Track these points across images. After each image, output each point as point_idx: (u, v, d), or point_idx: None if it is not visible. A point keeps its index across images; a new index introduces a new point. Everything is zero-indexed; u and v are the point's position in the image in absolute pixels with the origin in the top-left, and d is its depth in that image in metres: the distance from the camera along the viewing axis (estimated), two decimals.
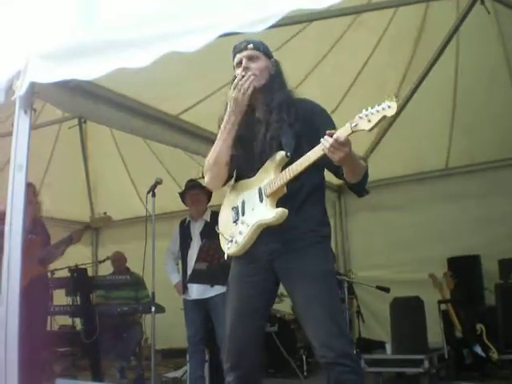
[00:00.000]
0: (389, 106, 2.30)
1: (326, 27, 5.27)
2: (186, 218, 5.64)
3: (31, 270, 5.28)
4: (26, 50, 4.06)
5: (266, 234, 2.69)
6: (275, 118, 2.72)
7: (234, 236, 2.80)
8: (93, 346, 5.80)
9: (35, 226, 5.62)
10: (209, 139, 5.92)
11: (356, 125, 2.35)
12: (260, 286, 2.77)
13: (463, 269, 6.69)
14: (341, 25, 5.48)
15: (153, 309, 4.76)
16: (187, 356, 5.69)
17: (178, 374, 6.65)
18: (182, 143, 5.85)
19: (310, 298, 2.60)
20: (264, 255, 2.73)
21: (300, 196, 2.71)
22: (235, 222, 2.83)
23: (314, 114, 2.76)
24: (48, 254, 5.51)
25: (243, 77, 2.75)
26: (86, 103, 4.70)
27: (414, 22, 5.79)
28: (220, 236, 2.94)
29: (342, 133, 2.40)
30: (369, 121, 2.33)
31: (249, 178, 2.82)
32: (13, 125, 4.27)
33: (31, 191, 5.61)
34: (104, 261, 7.32)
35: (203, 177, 5.74)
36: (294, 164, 2.56)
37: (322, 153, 2.45)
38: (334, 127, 2.57)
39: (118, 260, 7.58)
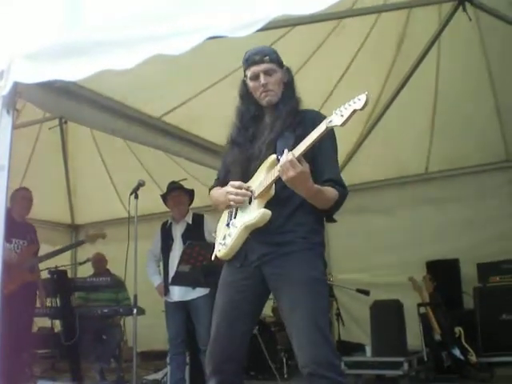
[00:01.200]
0: (359, 99, 2.32)
1: (309, 32, 5.32)
2: (167, 220, 5.64)
3: (21, 276, 5.27)
4: (10, 49, 4.03)
5: (258, 237, 2.69)
6: (281, 123, 2.74)
7: (225, 238, 2.80)
8: (72, 348, 5.78)
9: (28, 231, 5.61)
10: (191, 141, 5.97)
11: (331, 121, 2.37)
12: (248, 290, 2.75)
13: (442, 272, 6.76)
14: (324, 30, 5.53)
15: (135, 311, 4.74)
16: (168, 358, 5.69)
17: (158, 376, 6.62)
18: (163, 145, 5.85)
19: (296, 303, 2.58)
20: (253, 259, 2.72)
21: (292, 202, 2.70)
22: (227, 225, 2.83)
23: (314, 124, 2.76)
24: (39, 262, 5.52)
25: (240, 192, 2.72)
26: (69, 104, 4.68)
27: (396, 27, 5.84)
28: (215, 240, 2.94)
29: (297, 149, 2.43)
30: (341, 116, 2.34)
31: (246, 181, 2.81)
32: None
33: (29, 196, 5.61)
34: (84, 262, 7.27)
35: (185, 179, 5.81)
36: (274, 169, 2.57)
37: None
38: (333, 141, 2.63)
39: (99, 262, 7.53)
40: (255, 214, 2.66)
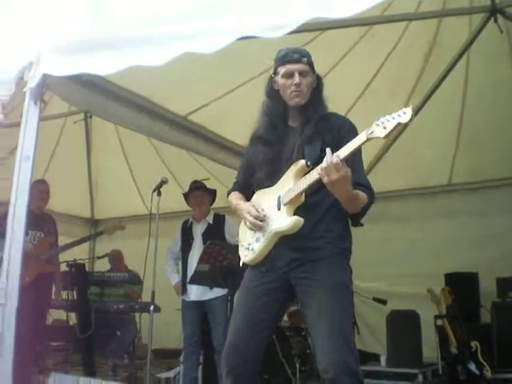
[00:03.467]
0: (404, 113, 2.30)
1: (339, 37, 5.30)
2: (188, 219, 5.64)
3: (38, 267, 5.30)
4: (39, 41, 4.06)
5: (286, 243, 2.68)
6: (311, 129, 2.72)
7: (252, 244, 2.79)
8: (87, 341, 5.77)
9: (46, 222, 5.64)
10: (214, 141, 5.96)
11: (372, 132, 2.34)
12: (272, 294, 2.75)
13: (460, 285, 6.68)
14: (353, 35, 5.49)
15: (151, 308, 4.74)
16: (181, 357, 5.69)
17: (170, 374, 6.63)
18: (187, 143, 5.86)
19: (322, 310, 2.58)
20: (282, 264, 2.71)
21: (320, 209, 2.70)
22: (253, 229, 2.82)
23: (341, 129, 2.75)
24: (56, 254, 5.54)
25: (258, 224, 2.74)
26: (96, 98, 4.70)
27: (426, 36, 5.78)
28: (239, 244, 2.93)
29: (342, 153, 2.42)
30: (384, 128, 2.31)
31: (271, 185, 2.80)
32: (21, 115, 4.27)
33: (46, 189, 5.65)
34: (103, 257, 7.28)
35: (207, 179, 5.82)
36: (309, 174, 2.55)
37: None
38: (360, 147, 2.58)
39: (116, 258, 7.55)
40: (287, 221, 2.64)
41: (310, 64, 2.83)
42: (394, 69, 5.90)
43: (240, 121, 5.81)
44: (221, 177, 7.13)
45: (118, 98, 4.84)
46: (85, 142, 8.10)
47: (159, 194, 4.96)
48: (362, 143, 2.40)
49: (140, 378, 6.32)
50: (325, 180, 2.43)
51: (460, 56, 5.77)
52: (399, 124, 2.29)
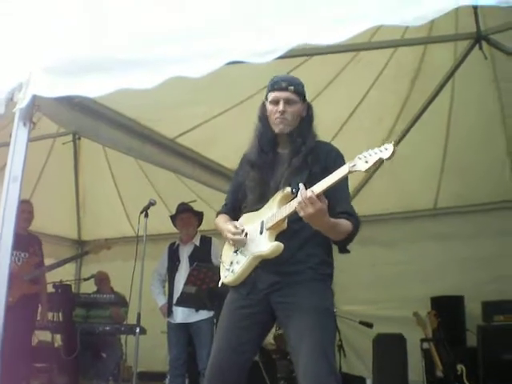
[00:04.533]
0: (386, 149, 2.34)
1: (326, 62, 5.37)
2: (175, 241, 5.65)
3: (22, 288, 5.28)
4: (29, 61, 4.07)
5: (267, 266, 2.70)
6: (299, 161, 2.76)
7: (232, 265, 2.82)
8: (72, 363, 5.75)
9: (31, 243, 5.62)
10: (202, 164, 6.00)
11: (354, 165, 2.38)
12: (254, 318, 2.77)
13: (446, 309, 6.71)
14: (340, 61, 5.57)
15: (137, 330, 4.73)
16: (167, 380, 5.67)
17: None
18: (175, 166, 5.89)
19: (304, 333, 2.59)
20: (262, 287, 2.73)
21: (303, 235, 2.72)
22: (236, 251, 2.85)
23: (328, 158, 2.78)
24: (40, 274, 5.52)
25: (237, 238, 2.79)
26: (86, 120, 4.73)
27: (412, 62, 5.87)
28: (221, 264, 2.95)
29: (317, 187, 2.45)
30: (366, 162, 2.35)
31: (256, 210, 2.83)
32: (10, 136, 4.28)
33: (29, 209, 5.64)
34: (89, 278, 7.26)
35: (194, 201, 5.84)
36: (293, 201, 2.58)
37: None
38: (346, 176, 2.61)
39: (102, 280, 7.52)
40: (268, 245, 2.67)
41: (299, 93, 2.86)
42: (380, 94, 5.97)
43: (228, 144, 5.88)
44: (208, 199, 7.16)
45: (107, 120, 4.87)
46: (73, 163, 8.09)
47: (146, 215, 4.98)
48: (344, 176, 2.44)
49: None
50: (301, 214, 2.47)
51: (445, 82, 5.85)
52: (380, 159, 2.34)
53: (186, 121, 5.58)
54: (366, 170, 2.37)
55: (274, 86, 2.87)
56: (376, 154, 2.34)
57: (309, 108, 2.93)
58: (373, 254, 7.43)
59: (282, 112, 2.80)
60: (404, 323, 6.54)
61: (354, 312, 6.91)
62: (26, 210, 5.60)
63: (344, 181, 2.66)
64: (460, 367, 5.89)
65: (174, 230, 5.91)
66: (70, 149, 7.70)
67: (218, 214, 3.13)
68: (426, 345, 6.07)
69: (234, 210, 3.05)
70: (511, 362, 6.04)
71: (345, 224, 2.63)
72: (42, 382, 7.46)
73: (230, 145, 5.85)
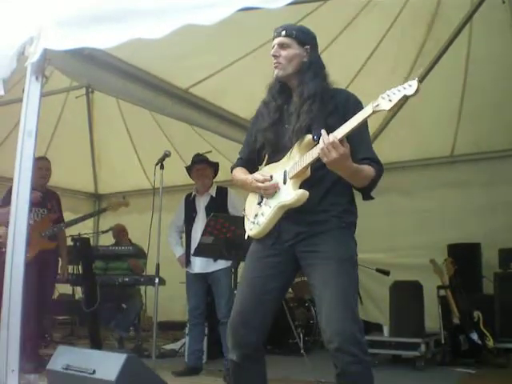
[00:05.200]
0: (410, 85, 2.28)
1: (339, 8, 5.26)
2: (191, 192, 5.64)
3: (40, 244, 5.34)
4: (39, 15, 4.03)
5: (292, 216, 2.68)
6: (306, 109, 2.70)
7: (257, 217, 2.80)
8: (93, 315, 5.85)
9: (49, 199, 5.66)
10: (217, 114, 5.96)
11: (377, 105, 2.33)
12: (279, 267, 2.76)
13: (463, 256, 6.70)
14: (354, 7, 5.45)
15: (157, 280, 4.78)
16: (186, 329, 5.76)
17: (175, 346, 6.71)
18: (189, 117, 5.86)
19: (328, 280, 2.58)
20: (288, 238, 2.72)
21: (326, 183, 2.69)
22: (259, 203, 2.82)
23: (347, 104, 2.72)
24: (58, 231, 5.57)
25: (269, 185, 2.74)
26: (97, 72, 4.69)
27: (428, 7, 5.73)
28: (244, 218, 2.94)
29: (339, 132, 2.41)
30: (390, 100, 2.30)
31: (277, 160, 2.80)
32: (23, 91, 4.26)
33: (47, 165, 5.66)
34: (107, 231, 7.34)
35: (209, 151, 5.82)
36: (315, 147, 2.55)
37: None
38: (366, 120, 2.52)
39: (119, 232, 7.59)
40: (293, 194, 2.64)
41: (294, 37, 2.79)
42: (396, 41, 5.85)
43: (241, 93, 5.82)
44: (223, 150, 7.15)
45: (119, 72, 4.82)
46: (87, 117, 8.09)
47: (162, 167, 4.96)
48: (368, 116, 2.38)
49: (146, 349, 6.40)
50: (324, 160, 2.44)
51: (462, 27, 5.71)
52: (405, 96, 2.28)
53: (199, 71, 5.51)
54: (391, 109, 2.31)
55: (274, 34, 2.85)
56: (400, 91, 2.28)
57: (311, 53, 2.84)
58: (390, 202, 7.39)
59: (274, 56, 2.78)
60: (421, 270, 6.54)
61: (371, 260, 6.90)
62: (43, 167, 5.62)
63: (365, 126, 2.63)
64: (477, 314, 5.90)
65: (189, 181, 5.90)
66: (84, 103, 7.68)
67: (233, 167, 3.10)
68: (442, 292, 6.08)
69: (249, 163, 3.02)
70: None
71: (368, 169, 2.59)
72: (64, 334, 7.65)
73: (244, 94, 5.79)
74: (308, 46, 2.81)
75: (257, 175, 2.81)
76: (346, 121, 2.46)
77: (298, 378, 5.07)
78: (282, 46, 2.77)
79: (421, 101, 6.48)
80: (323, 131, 2.44)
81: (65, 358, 3.60)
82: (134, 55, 4.80)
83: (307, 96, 2.71)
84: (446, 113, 6.92)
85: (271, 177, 2.76)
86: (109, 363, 3.38)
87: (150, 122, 7.74)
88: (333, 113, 2.70)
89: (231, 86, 5.77)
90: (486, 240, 6.91)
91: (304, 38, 2.82)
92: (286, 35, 2.78)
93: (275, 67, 2.79)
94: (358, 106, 2.64)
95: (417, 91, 2.26)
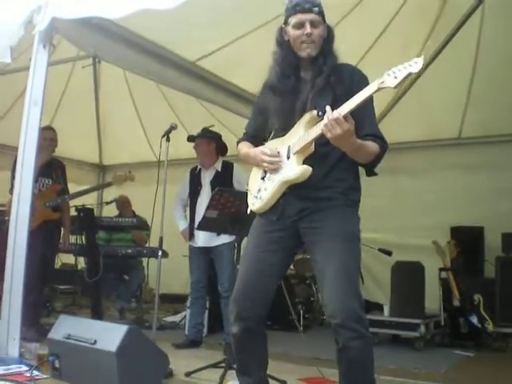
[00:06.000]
0: (415, 63, 2.26)
1: None
2: (197, 166, 5.63)
3: (43, 214, 5.34)
4: None
5: (296, 192, 2.68)
6: (323, 81, 2.68)
7: (260, 192, 2.80)
8: (95, 285, 5.87)
9: (55, 169, 5.64)
10: (225, 88, 5.92)
11: (383, 82, 2.31)
12: (282, 242, 2.76)
13: (466, 239, 6.70)
14: None
15: (160, 253, 4.78)
16: (188, 302, 5.79)
17: (176, 318, 6.75)
18: (197, 90, 5.84)
19: (330, 255, 2.58)
20: (292, 213, 2.71)
21: (331, 159, 2.68)
22: (262, 178, 2.82)
23: (353, 79, 2.70)
24: (62, 202, 5.56)
25: (275, 160, 2.73)
26: (105, 42, 4.66)
27: None
28: (248, 192, 2.93)
29: (344, 108, 2.39)
30: (395, 77, 2.28)
31: (282, 135, 2.78)
32: (30, 59, 4.24)
33: (53, 136, 5.64)
34: (111, 202, 7.35)
35: (212, 125, 5.77)
36: (319, 123, 2.52)
37: None
38: (371, 97, 2.50)
39: (123, 203, 7.61)
40: (296, 169, 2.63)
41: (321, 14, 2.74)
42: (408, 19, 5.77)
43: (251, 68, 5.74)
44: (229, 124, 7.12)
45: (127, 42, 4.79)
46: (93, 88, 8.05)
47: (168, 139, 4.92)
48: (373, 93, 2.37)
49: (147, 321, 6.44)
50: (328, 135, 2.42)
51: (474, 9, 5.65)
52: (410, 74, 2.26)
53: (208, 43, 5.46)
54: (396, 86, 2.29)
55: (296, 8, 2.72)
56: (405, 68, 2.26)
57: (329, 29, 2.81)
58: (395, 182, 7.38)
59: (310, 34, 2.69)
60: (423, 252, 6.54)
61: (374, 239, 6.91)
62: (48, 138, 5.59)
63: (370, 102, 2.60)
64: (477, 297, 5.92)
65: (193, 154, 5.87)
66: (90, 73, 7.63)
67: (239, 141, 3.09)
68: (444, 274, 6.09)
69: (255, 138, 3.01)
70: None
71: (371, 145, 2.58)
72: (66, 304, 7.70)
73: (253, 68, 5.69)
74: (326, 24, 2.78)
75: (265, 149, 2.79)
76: (351, 96, 2.44)
77: (297, 355, 5.08)
78: (313, 23, 2.70)
79: (430, 82, 6.44)
80: (328, 107, 2.43)
81: (66, 327, 3.63)
82: (142, 26, 4.75)
83: (326, 69, 2.69)
84: (455, 95, 6.86)
85: (278, 153, 2.75)
86: (110, 334, 3.41)
87: (157, 94, 7.70)
88: (338, 88, 2.68)
89: (240, 60, 5.71)
90: (490, 224, 6.90)
91: (324, 13, 2.77)
92: (319, 13, 2.71)
93: (307, 46, 2.71)
94: (363, 82, 2.63)
95: (422, 69, 2.24)
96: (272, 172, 2.76)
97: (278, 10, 4.75)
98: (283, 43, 2.81)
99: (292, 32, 2.73)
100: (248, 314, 2.75)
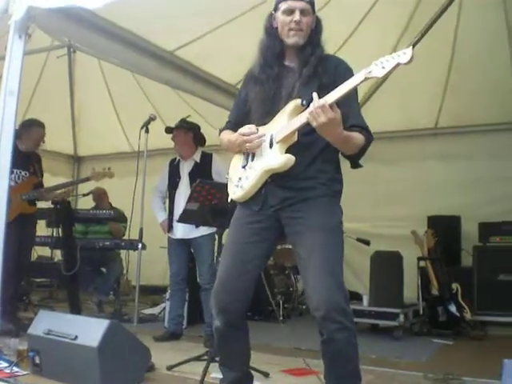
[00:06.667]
0: (404, 53, 2.25)
1: None
2: (176, 157, 5.57)
3: (19, 207, 5.25)
4: None
5: (278, 181, 2.66)
6: (310, 70, 2.66)
7: (241, 180, 2.77)
8: (72, 278, 5.79)
9: (32, 161, 5.56)
10: (202, 78, 5.88)
11: (370, 71, 2.30)
12: (263, 234, 2.74)
13: (443, 228, 6.73)
14: None
15: (140, 246, 4.74)
16: (167, 294, 5.75)
17: (155, 311, 6.71)
18: (174, 80, 5.79)
19: (313, 248, 2.57)
20: (274, 203, 2.69)
21: (314, 149, 2.66)
22: (244, 167, 2.79)
23: (338, 70, 2.68)
24: (39, 196, 5.48)
25: (255, 137, 2.71)
26: (82, 32, 4.59)
27: None
28: (228, 181, 2.90)
29: (330, 96, 2.36)
30: (383, 67, 2.27)
31: (265, 123, 2.75)
32: (5, 49, 4.16)
33: (44, 133, 5.56)
34: (88, 194, 7.26)
35: (188, 116, 5.71)
36: (304, 112, 2.50)
37: None
38: (356, 88, 2.49)
39: (99, 195, 7.51)
40: (279, 158, 2.61)
41: (312, 4, 2.72)
42: (388, 7, 5.77)
43: (228, 58, 5.73)
44: (206, 114, 7.08)
45: (104, 32, 4.72)
46: (67, 78, 7.93)
47: (147, 131, 4.86)
48: (360, 82, 2.35)
49: (126, 313, 6.39)
50: (313, 124, 2.40)
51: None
52: (398, 64, 2.25)
53: (186, 33, 5.41)
54: (383, 76, 2.28)
55: None
56: (394, 58, 2.25)
57: (318, 20, 2.80)
58: (373, 171, 7.34)
59: (298, 22, 2.67)
60: (400, 241, 6.59)
61: (352, 229, 6.88)
62: (41, 136, 5.61)
63: (354, 93, 2.61)
64: (455, 286, 5.97)
65: (170, 145, 5.80)
66: (65, 63, 7.52)
67: (222, 130, 3.05)
68: (422, 263, 6.13)
69: (238, 127, 2.97)
70: (505, 283, 6.18)
71: (358, 137, 2.57)
72: (43, 297, 7.60)
73: (230, 59, 5.71)
74: (315, 15, 2.76)
75: (242, 129, 2.77)
76: (336, 86, 2.42)
77: (278, 345, 5.08)
78: (303, 11, 2.68)
79: (407, 72, 6.42)
80: (315, 94, 2.40)
81: (46, 322, 3.58)
82: (120, 16, 4.69)
83: (313, 59, 2.67)
84: (433, 85, 6.90)
85: (257, 130, 2.72)
86: (91, 329, 3.37)
87: (133, 85, 7.60)
88: (324, 78, 2.65)
89: (218, 50, 5.67)
90: (466, 213, 6.98)
91: (314, 4, 2.75)
92: (309, 2, 2.69)
93: (295, 34, 2.69)
94: (348, 73, 2.63)
95: (411, 59, 2.23)
96: (254, 157, 2.74)
97: (252, 2, 4.75)
98: (271, 30, 2.79)
99: (281, 18, 2.71)
100: (230, 307, 2.74)
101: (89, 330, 3.35)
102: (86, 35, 4.69)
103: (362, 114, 2.73)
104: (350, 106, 2.58)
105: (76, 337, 3.33)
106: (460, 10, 5.95)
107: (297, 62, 2.73)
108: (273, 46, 2.77)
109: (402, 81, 6.69)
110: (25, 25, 3.99)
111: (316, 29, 2.76)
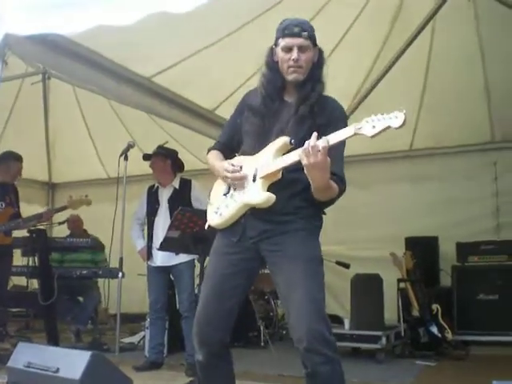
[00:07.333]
0: (396, 117, 2.26)
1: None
2: (154, 184, 5.52)
3: None
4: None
5: (258, 213, 2.63)
6: (306, 110, 2.64)
7: (220, 208, 2.75)
8: (49, 308, 5.68)
9: (8, 192, 5.49)
10: (179, 104, 5.86)
11: (360, 128, 2.30)
12: (242, 265, 2.72)
13: (421, 249, 6.78)
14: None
15: (120, 275, 4.67)
16: (147, 322, 5.67)
17: (134, 339, 6.60)
18: (151, 106, 5.76)
19: (295, 280, 2.55)
20: (253, 234, 2.67)
21: (296, 187, 2.63)
22: (225, 194, 2.77)
23: (332, 115, 2.67)
24: (16, 226, 5.40)
25: (238, 176, 2.69)
26: (60, 59, 4.55)
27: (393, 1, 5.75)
28: (208, 205, 2.88)
29: (323, 142, 2.34)
30: (373, 127, 2.28)
31: (251, 154, 2.73)
32: None
33: (21, 167, 5.51)
34: (64, 222, 7.15)
35: (166, 142, 5.69)
36: (290, 153, 2.50)
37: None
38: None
39: (75, 223, 7.42)
40: (260, 195, 2.59)
41: (311, 38, 2.68)
42: (362, 32, 5.84)
43: (205, 84, 5.73)
44: (182, 141, 7.06)
45: (82, 59, 4.68)
46: (42, 104, 7.87)
47: (126, 158, 4.83)
48: (349, 137, 2.36)
49: (105, 343, 6.28)
50: (304, 162, 2.38)
51: (427, 22, 5.74)
52: (389, 127, 2.26)
53: (163, 59, 5.40)
54: (373, 136, 2.29)
55: (285, 31, 2.67)
56: (385, 120, 2.26)
57: (320, 53, 2.76)
58: (348, 194, 7.33)
59: (296, 60, 2.64)
60: (378, 263, 6.61)
61: (331, 252, 6.91)
62: (19, 170, 5.67)
63: (342, 143, 2.56)
64: (435, 306, 5.99)
65: (147, 171, 5.76)
66: (39, 90, 7.46)
67: (210, 150, 3.02)
68: (402, 285, 6.14)
69: (227, 148, 2.95)
70: (484, 302, 6.26)
71: (334, 188, 2.55)
72: (19, 327, 7.45)
73: (208, 84, 5.71)
74: (317, 47, 2.73)
75: (226, 164, 2.74)
76: (328, 129, 2.44)
77: (260, 372, 5.02)
78: (301, 48, 2.64)
79: (382, 93, 6.52)
80: (315, 134, 2.37)
81: (26, 355, 3.49)
82: (97, 43, 4.66)
83: (313, 99, 2.65)
84: (407, 107, 6.91)
85: (241, 167, 2.70)
86: (72, 361, 3.29)
87: (108, 111, 7.58)
88: (319, 119, 2.64)
89: (195, 76, 5.66)
90: (443, 233, 7.05)
91: (315, 37, 2.72)
92: (308, 37, 2.65)
93: (293, 71, 2.66)
94: (341, 120, 2.65)
95: (403, 124, 2.24)
96: (235, 189, 2.72)
97: (230, 27, 4.77)
98: (272, 65, 2.76)
99: (281, 54, 2.69)
100: (211, 338, 2.72)
101: (70, 363, 3.27)
102: (63, 62, 4.64)
103: (343, 164, 2.70)
104: (334, 154, 2.51)
105: (57, 369, 3.25)
106: (433, 33, 6.04)
107: (295, 98, 2.70)
108: (274, 80, 2.75)
109: (377, 102, 6.73)
110: (2, 52, 3.94)
111: (318, 62, 2.73)
